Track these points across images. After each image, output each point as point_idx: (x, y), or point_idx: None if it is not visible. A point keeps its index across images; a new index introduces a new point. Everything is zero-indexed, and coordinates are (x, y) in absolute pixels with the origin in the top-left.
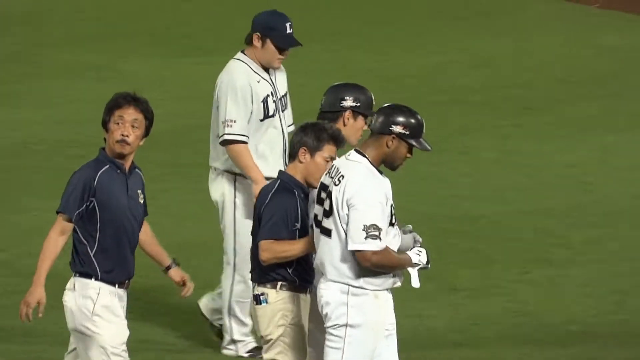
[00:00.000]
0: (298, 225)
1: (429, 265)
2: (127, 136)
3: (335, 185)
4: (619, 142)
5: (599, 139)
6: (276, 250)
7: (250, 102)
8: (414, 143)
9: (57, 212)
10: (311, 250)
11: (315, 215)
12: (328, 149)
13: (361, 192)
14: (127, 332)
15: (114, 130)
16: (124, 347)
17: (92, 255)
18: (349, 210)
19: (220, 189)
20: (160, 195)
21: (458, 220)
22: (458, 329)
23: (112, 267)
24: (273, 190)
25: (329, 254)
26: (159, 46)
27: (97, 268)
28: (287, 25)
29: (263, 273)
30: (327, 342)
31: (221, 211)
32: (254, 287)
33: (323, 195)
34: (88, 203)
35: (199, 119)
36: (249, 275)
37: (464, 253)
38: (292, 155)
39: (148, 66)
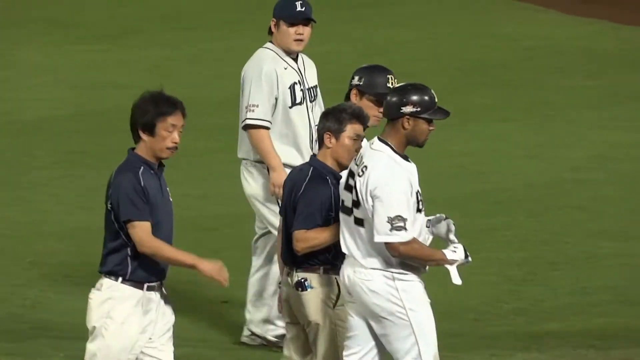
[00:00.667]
0: (332, 213)
1: (469, 259)
2: (178, 143)
3: (360, 176)
4: (513, 131)
5: (493, 128)
6: (309, 238)
7: (275, 87)
8: (427, 116)
9: (131, 221)
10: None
11: (343, 202)
12: (352, 128)
13: (384, 183)
14: (137, 339)
15: (165, 137)
16: (126, 354)
17: (129, 256)
18: (373, 201)
19: (257, 183)
20: (52, 182)
21: None
22: None
23: (147, 268)
24: (307, 179)
25: (365, 242)
26: (52, 34)
27: (130, 269)
28: (298, 3)
29: (303, 258)
30: (388, 336)
31: (257, 204)
32: (289, 273)
33: (351, 182)
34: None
35: (92, 106)
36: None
37: None
38: (320, 142)
39: (41, 53)
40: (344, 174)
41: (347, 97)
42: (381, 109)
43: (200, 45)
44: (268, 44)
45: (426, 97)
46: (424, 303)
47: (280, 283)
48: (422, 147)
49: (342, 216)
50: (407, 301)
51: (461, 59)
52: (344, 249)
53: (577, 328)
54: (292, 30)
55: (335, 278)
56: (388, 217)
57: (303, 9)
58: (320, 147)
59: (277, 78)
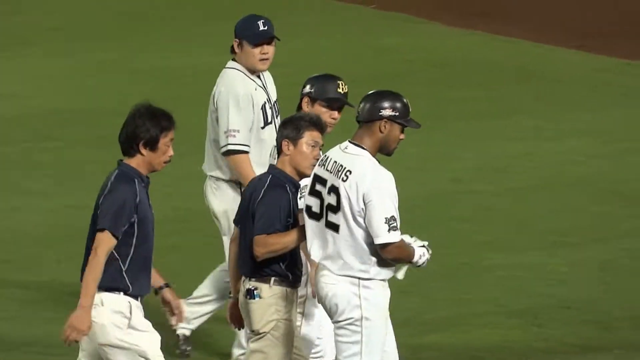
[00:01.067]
0: (291, 220)
1: (424, 265)
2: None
3: (343, 181)
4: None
5: None
6: (270, 243)
7: (252, 110)
8: (404, 123)
9: (103, 230)
10: (303, 240)
11: (309, 207)
12: (309, 135)
13: (377, 186)
14: (159, 337)
15: (165, 151)
16: (160, 352)
17: (124, 270)
18: (365, 205)
19: (226, 199)
20: None
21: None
22: None
23: (141, 281)
24: (265, 186)
25: (337, 248)
26: None
27: (128, 283)
28: (260, 22)
29: (256, 267)
30: (340, 337)
31: (225, 221)
32: (244, 281)
33: (319, 187)
34: (132, 220)
35: None
36: None
37: None
38: (278, 150)
39: None
40: (304, 181)
41: (299, 107)
42: (333, 114)
43: (91, 55)
44: (233, 64)
45: (404, 104)
46: (382, 312)
47: (230, 294)
48: (390, 155)
49: (310, 222)
50: (366, 310)
51: (346, 72)
52: (312, 255)
53: (457, 339)
54: (256, 50)
55: (287, 290)
56: (385, 219)
57: (266, 28)
58: (278, 155)
59: (252, 101)
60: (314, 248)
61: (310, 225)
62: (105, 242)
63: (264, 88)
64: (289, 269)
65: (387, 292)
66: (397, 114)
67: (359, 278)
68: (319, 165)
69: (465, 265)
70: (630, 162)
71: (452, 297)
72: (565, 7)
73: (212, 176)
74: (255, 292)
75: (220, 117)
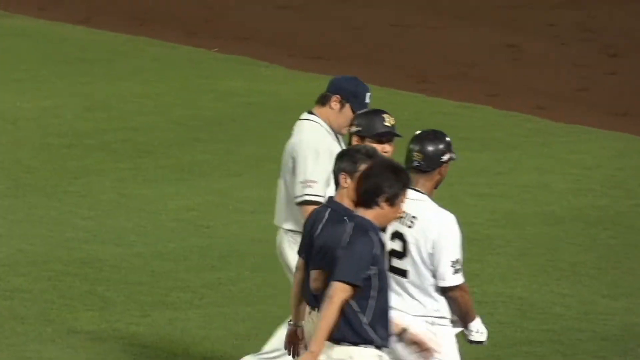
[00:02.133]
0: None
1: (484, 343)
2: None
3: (409, 227)
4: (236, 186)
5: (217, 183)
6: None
7: (328, 165)
8: (454, 158)
9: (341, 281)
10: None
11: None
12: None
13: (443, 230)
14: None
15: (400, 207)
16: None
17: (366, 323)
18: (433, 249)
19: None
20: None
21: (77, 263)
22: None
23: (382, 332)
24: (324, 221)
25: (405, 290)
26: None
27: (372, 335)
28: (367, 95)
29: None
30: None
31: None
32: (310, 312)
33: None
34: (371, 272)
35: None
36: None
37: (83, 295)
38: (336, 183)
39: None
40: None
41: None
42: (385, 147)
43: None
44: (313, 117)
45: (450, 141)
46: (456, 352)
47: (290, 321)
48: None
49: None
50: (443, 347)
51: (186, 114)
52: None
53: None
54: (350, 114)
55: None
56: (451, 262)
57: (369, 102)
58: (336, 188)
59: (331, 156)
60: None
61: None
62: (343, 292)
63: (340, 146)
64: None
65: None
66: (453, 155)
67: (433, 317)
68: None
69: None
70: (469, 205)
71: None
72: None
73: (289, 230)
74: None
75: (298, 167)
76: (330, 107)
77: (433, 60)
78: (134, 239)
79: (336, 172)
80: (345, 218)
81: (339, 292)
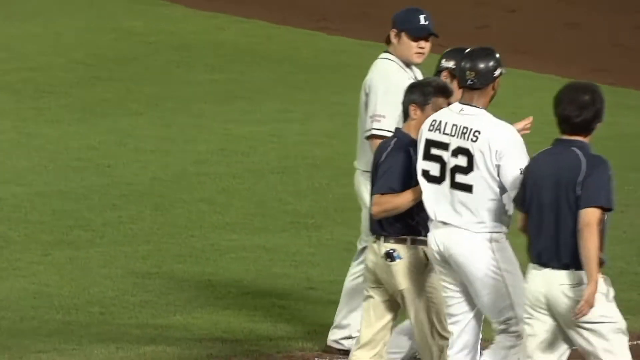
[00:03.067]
0: (412, 182)
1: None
2: None
3: (473, 141)
4: (136, 125)
5: (117, 122)
6: (382, 202)
7: (400, 101)
8: (504, 72)
9: (596, 207)
10: (418, 199)
11: (426, 171)
12: (436, 101)
13: (508, 140)
14: None
15: None
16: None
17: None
18: (499, 160)
19: None
20: None
21: None
22: None
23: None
24: (389, 149)
25: (469, 207)
26: None
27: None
28: (421, 17)
29: (390, 229)
30: (485, 294)
31: None
32: (378, 242)
33: (436, 151)
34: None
35: None
36: None
37: None
38: (405, 114)
39: None
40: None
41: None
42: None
43: None
44: (387, 55)
45: (499, 56)
46: (516, 265)
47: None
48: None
49: (429, 186)
50: (503, 262)
51: (86, 53)
52: (436, 217)
53: (203, 321)
54: (414, 43)
55: (422, 249)
56: (520, 170)
57: (427, 23)
58: (405, 119)
59: (402, 91)
60: (437, 209)
61: (428, 188)
62: (598, 217)
63: (415, 80)
64: (420, 227)
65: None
66: (503, 69)
67: (491, 233)
68: (430, 130)
69: (209, 247)
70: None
71: (196, 279)
72: None
73: (363, 170)
74: (394, 253)
75: (369, 103)
76: (392, 42)
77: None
78: (34, 178)
79: (406, 104)
80: (409, 148)
81: (595, 217)
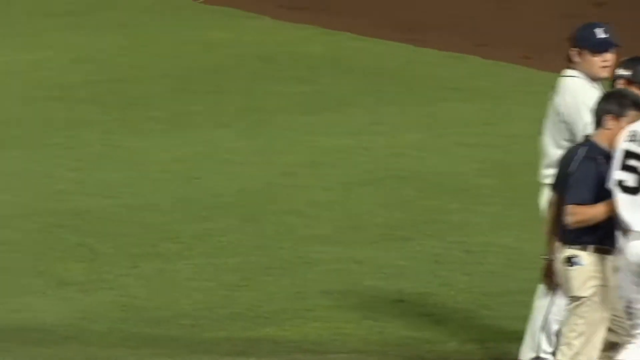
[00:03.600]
0: (602, 192)
1: None
2: None
3: None
4: (224, 137)
5: (204, 134)
6: (578, 213)
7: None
8: None
9: None
10: (612, 213)
11: (621, 182)
12: (631, 115)
13: None
14: None
15: None
16: None
17: None
18: None
19: None
20: None
21: (67, 215)
22: (67, 324)
23: None
24: (580, 158)
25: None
26: None
27: None
28: (599, 30)
29: (574, 235)
30: None
31: None
32: (562, 248)
33: (633, 162)
34: None
35: None
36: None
37: (72, 247)
38: (597, 122)
39: None
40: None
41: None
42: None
43: None
44: (574, 72)
45: None
46: None
47: (546, 256)
48: None
49: (624, 196)
50: None
51: (173, 65)
52: (633, 227)
53: (292, 333)
54: (597, 58)
55: (609, 259)
56: None
57: (606, 36)
58: (597, 127)
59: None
60: (633, 219)
61: (624, 198)
62: None
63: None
64: (606, 238)
65: None
66: None
67: None
68: (628, 140)
69: (297, 259)
70: (458, 155)
71: (286, 291)
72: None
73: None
74: (575, 259)
75: (576, 127)
76: (575, 61)
77: (421, 10)
78: (122, 190)
79: (600, 113)
80: (599, 157)
81: None
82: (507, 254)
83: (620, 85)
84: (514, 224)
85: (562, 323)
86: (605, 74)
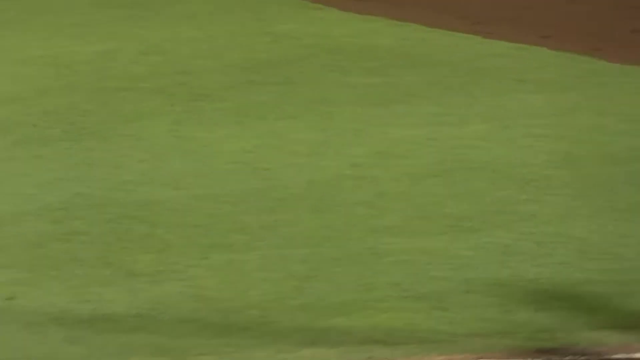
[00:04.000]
0: None
1: None
2: None
3: None
4: (292, 129)
5: (272, 126)
6: None
7: None
8: None
9: None
10: None
11: None
12: None
13: None
14: None
15: None
16: None
17: None
18: None
19: None
20: None
21: (135, 206)
22: (137, 314)
23: None
24: None
25: None
26: None
27: None
28: None
29: None
30: None
31: None
32: None
33: None
34: None
35: None
36: None
37: (141, 238)
38: None
39: None
40: None
41: None
42: None
43: None
44: None
45: None
46: None
47: None
48: None
49: None
50: None
51: (240, 57)
52: None
53: (362, 324)
54: None
55: None
56: None
57: None
58: None
59: None
60: None
61: None
62: None
63: None
64: None
65: None
66: None
67: None
68: None
69: (367, 250)
70: (526, 146)
71: (355, 282)
72: None
73: None
74: None
75: None
76: None
77: (489, 2)
78: (191, 181)
79: None
80: None
81: None
82: (577, 245)
83: None
84: (583, 215)
85: None
86: None
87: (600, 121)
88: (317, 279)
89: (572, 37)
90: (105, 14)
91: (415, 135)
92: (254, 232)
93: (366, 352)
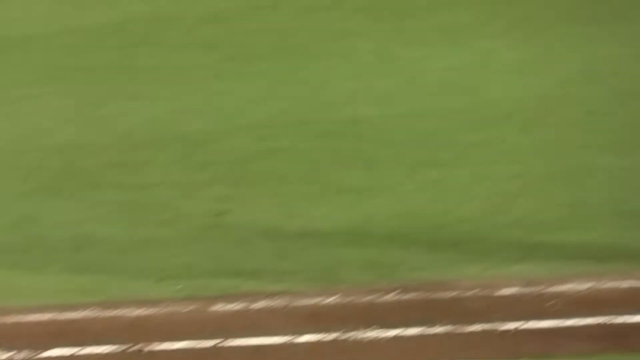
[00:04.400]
0: None
1: None
2: None
3: None
4: (499, 47)
5: (478, 44)
6: None
7: None
8: None
9: None
10: None
11: None
12: None
13: None
14: None
15: None
16: None
17: None
18: None
19: None
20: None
21: (341, 123)
22: (345, 230)
23: None
24: None
25: None
26: None
27: None
28: None
29: None
30: None
31: None
32: None
33: None
34: None
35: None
36: None
37: (349, 155)
38: None
39: None
40: None
41: None
42: None
43: None
44: None
45: None
46: None
47: None
48: None
49: None
50: None
51: None
52: None
53: (572, 240)
54: None
55: None
56: None
57: None
58: None
59: None
60: None
61: None
62: None
63: None
64: None
65: None
66: None
67: None
68: None
69: (577, 168)
70: None
71: (567, 199)
72: None
73: None
74: None
75: None
76: None
77: None
78: (397, 99)
79: None
80: None
81: None
82: None
83: None
84: None
85: None
86: None
87: None
88: (527, 196)
89: None
90: None
91: (623, 53)
92: (462, 150)
93: (578, 268)
